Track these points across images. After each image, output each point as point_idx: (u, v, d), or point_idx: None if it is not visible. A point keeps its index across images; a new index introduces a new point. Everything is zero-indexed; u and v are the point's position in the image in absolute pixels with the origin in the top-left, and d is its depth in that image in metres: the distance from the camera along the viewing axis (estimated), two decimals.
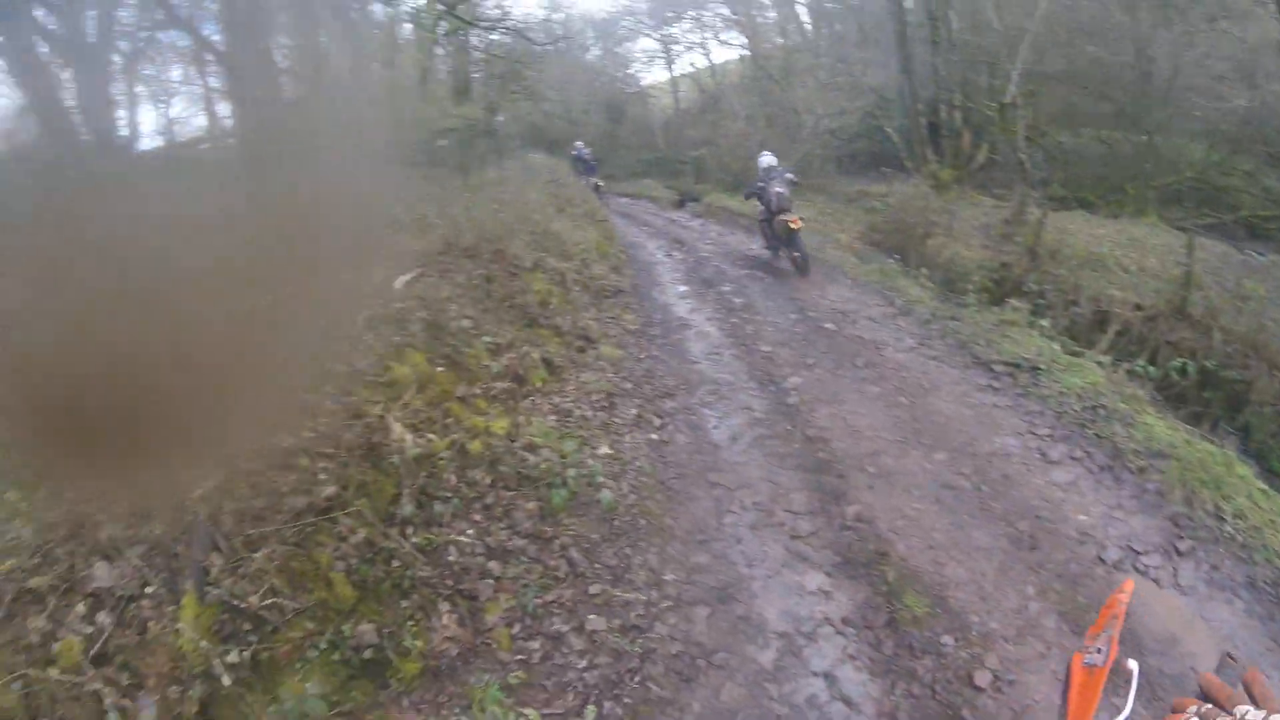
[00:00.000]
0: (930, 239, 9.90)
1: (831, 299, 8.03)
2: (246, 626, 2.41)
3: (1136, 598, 3.54)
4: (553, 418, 5.13)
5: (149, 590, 2.24)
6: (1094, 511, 4.19)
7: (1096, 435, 4.94)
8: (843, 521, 4.22)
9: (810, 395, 5.68)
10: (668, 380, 6.14)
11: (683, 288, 9.07)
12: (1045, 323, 6.72)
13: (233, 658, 2.27)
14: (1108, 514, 4.16)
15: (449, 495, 3.89)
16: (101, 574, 2.18)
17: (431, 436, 4.16)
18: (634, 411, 5.47)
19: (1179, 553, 3.85)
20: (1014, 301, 7.09)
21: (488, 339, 5.28)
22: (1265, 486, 4.47)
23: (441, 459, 4.07)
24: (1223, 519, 4.03)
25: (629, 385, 5.92)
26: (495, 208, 7.29)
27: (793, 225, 8.81)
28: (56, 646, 2.05)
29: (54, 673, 2.00)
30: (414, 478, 3.78)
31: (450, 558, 3.59)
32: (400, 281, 5.49)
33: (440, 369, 4.73)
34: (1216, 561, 3.78)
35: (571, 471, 4.24)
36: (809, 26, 18.31)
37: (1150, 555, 3.83)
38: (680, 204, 15.90)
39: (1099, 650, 1.25)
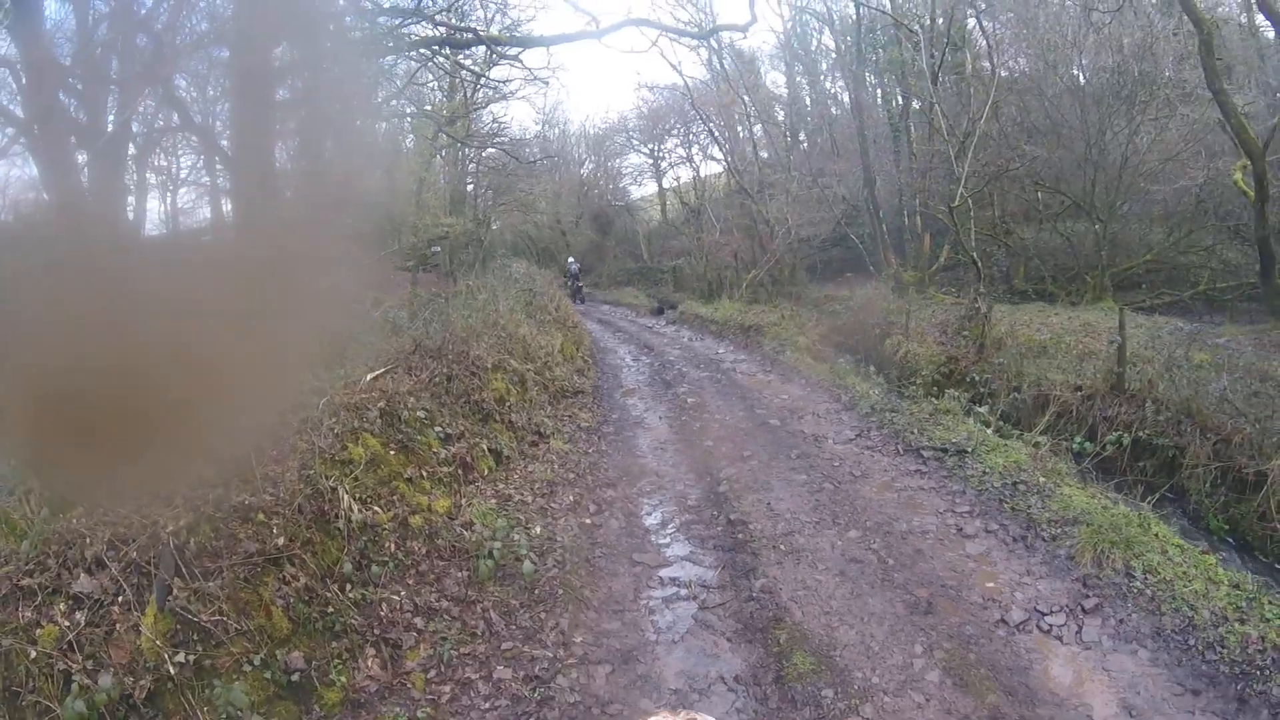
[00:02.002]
0: (888, 338, 10.92)
1: (782, 398, 8.97)
2: (195, 637, 3.13)
3: (1034, 655, 4.06)
4: (494, 501, 5.92)
5: (120, 599, 2.98)
6: (1002, 579, 4.72)
7: (1013, 509, 5.57)
8: (750, 593, 4.89)
9: (741, 485, 6.46)
10: (610, 472, 6.96)
11: (643, 389, 10.04)
12: (983, 409, 7.47)
13: (180, 659, 2.98)
14: (1016, 580, 4.69)
15: (386, 560, 4.63)
16: (83, 582, 2.93)
17: (376, 509, 4.95)
18: (571, 498, 6.25)
19: (1084, 610, 4.23)
20: (952, 391, 7.89)
21: (439, 429, 6.14)
22: (1181, 542, 4.89)
23: (384, 529, 4.84)
24: (1132, 576, 4.43)
25: (572, 476, 6.75)
26: (466, 313, 8.35)
27: (583, 287, 21.24)
28: (39, 632, 2.78)
29: (33, 651, 2.71)
30: (356, 542, 4.53)
31: (382, 612, 4.30)
32: (368, 377, 6.43)
33: (393, 452, 5.56)
34: (1123, 616, 4.15)
35: (497, 544, 4.97)
36: (789, 140, 20.46)
37: (1055, 615, 4.23)
38: (659, 311, 17.24)
39: None
